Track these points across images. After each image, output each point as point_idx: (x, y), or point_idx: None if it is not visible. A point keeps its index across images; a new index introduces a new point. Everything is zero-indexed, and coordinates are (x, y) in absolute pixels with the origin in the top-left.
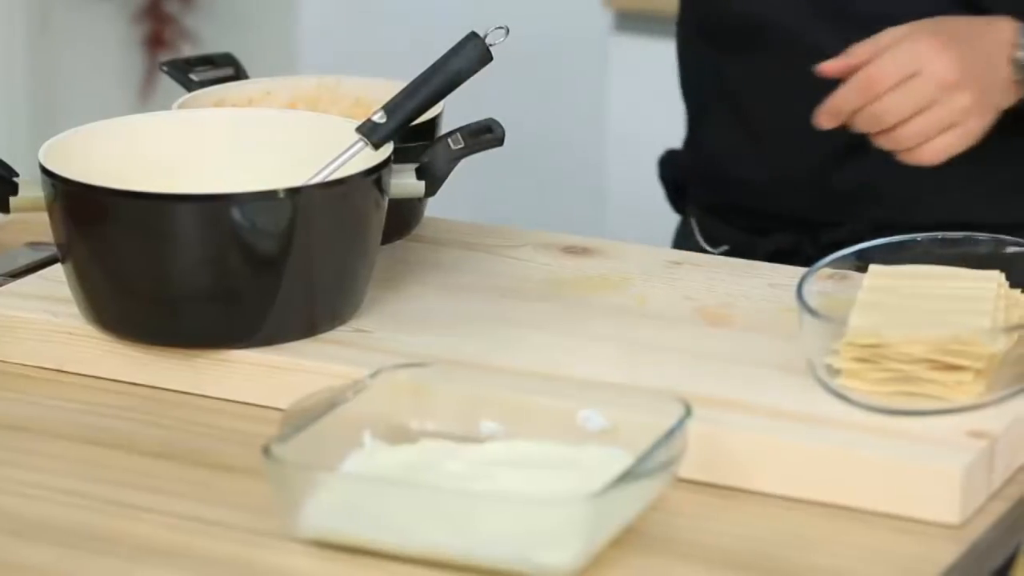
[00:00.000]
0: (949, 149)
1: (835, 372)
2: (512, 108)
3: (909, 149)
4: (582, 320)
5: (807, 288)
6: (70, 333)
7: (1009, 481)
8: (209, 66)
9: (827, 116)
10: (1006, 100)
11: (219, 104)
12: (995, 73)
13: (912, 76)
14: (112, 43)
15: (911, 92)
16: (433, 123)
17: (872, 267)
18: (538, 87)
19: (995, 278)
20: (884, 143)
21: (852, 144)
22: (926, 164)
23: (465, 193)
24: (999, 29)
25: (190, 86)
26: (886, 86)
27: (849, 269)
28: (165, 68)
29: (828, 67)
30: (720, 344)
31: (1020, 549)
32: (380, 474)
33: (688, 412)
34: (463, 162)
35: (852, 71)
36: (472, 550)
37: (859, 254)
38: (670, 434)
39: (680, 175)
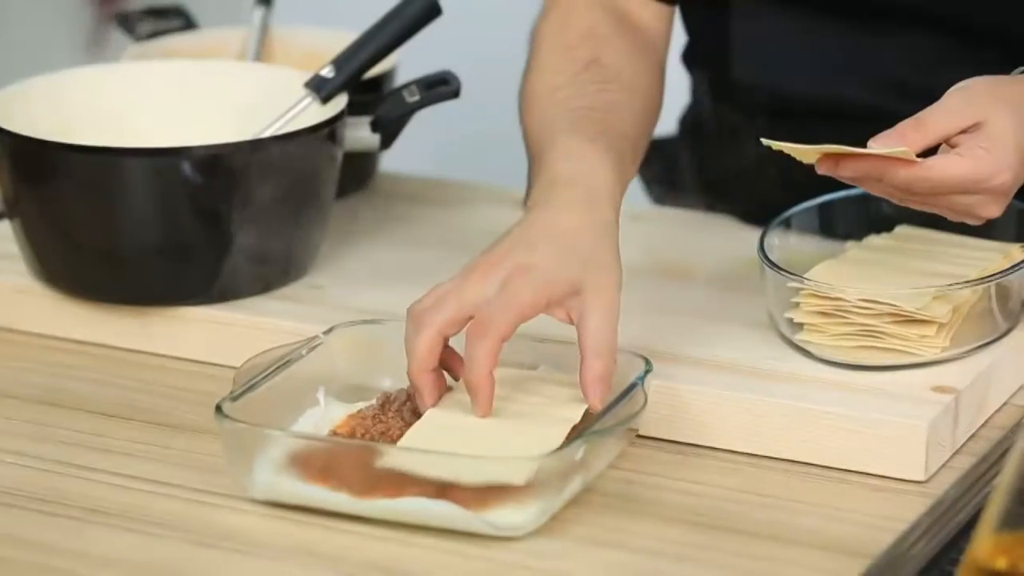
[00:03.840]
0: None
1: (797, 326)
2: (468, 59)
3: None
4: None
5: (769, 241)
6: (18, 291)
7: (974, 436)
8: (158, 17)
9: (859, 181)
10: None
11: (168, 56)
12: None
13: (977, 184)
14: None
15: (966, 201)
16: (388, 75)
17: (898, 228)
18: (495, 38)
19: (1009, 251)
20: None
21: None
22: None
23: (420, 146)
24: None
25: (139, 38)
26: (948, 191)
27: (813, 222)
28: (114, 19)
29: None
30: (681, 299)
31: (986, 505)
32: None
33: (648, 368)
34: (418, 115)
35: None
36: (428, 509)
37: (823, 207)
38: (629, 390)
39: (667, 166)
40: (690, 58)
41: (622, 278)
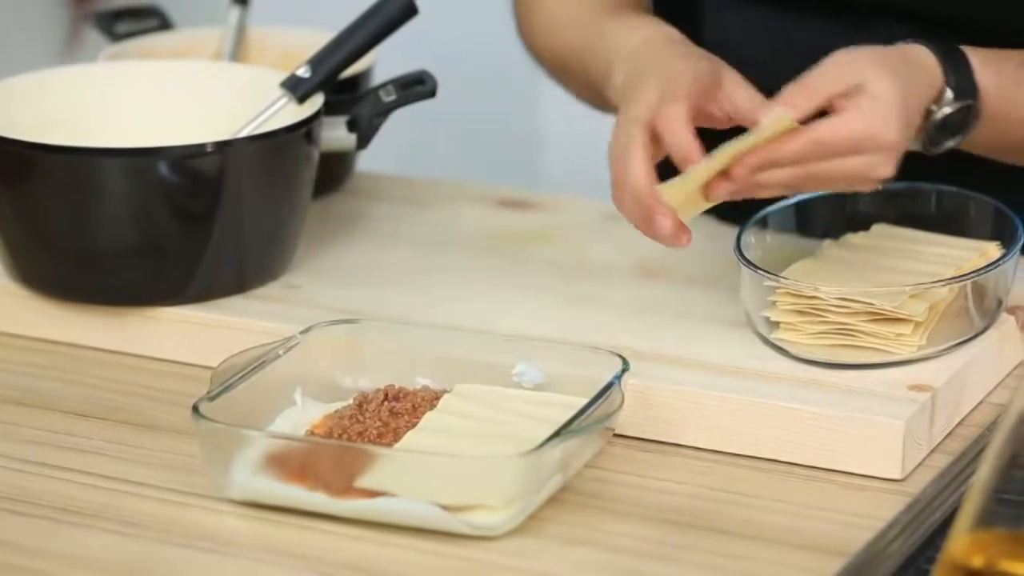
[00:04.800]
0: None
1: (773, 325)
2: (444, 59)
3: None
4: (518, 274)
5: (745, 240)
6: None
7: (951, 435)
8: (135, 18)
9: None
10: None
11: (145, 56)
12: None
13: (865, 141)
14: None
15: (858, 163)
16: (365, 75)
17: (875, 227)
18: (472, 38)
19: (985, 249)
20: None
21: None
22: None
23: (397, 146)
24: (931, 78)
25: (116, 38)
26: (838, 152)
27: (790, 220)
28: (90, 20)
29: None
30: (658, 297)
31: (962, 503)
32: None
33: (625, 367)
34: (395, 114)
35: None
36: (405, 509)
37: (799, 206)
38: (606, 389)
39: None
40: None
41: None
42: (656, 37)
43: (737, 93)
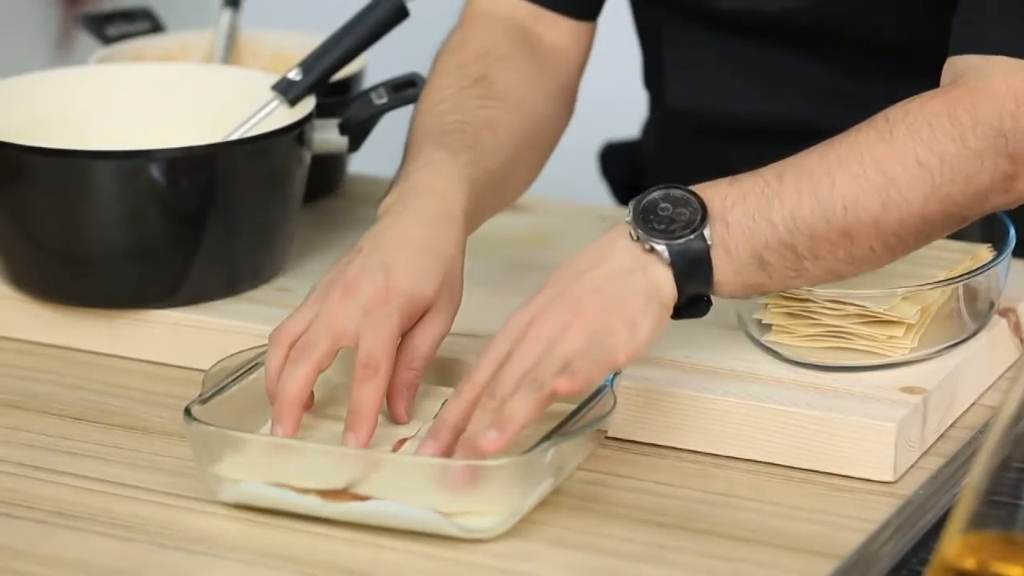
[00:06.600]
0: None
1: (765, 328)
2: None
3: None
4: (510, 277)
5: None
6: None
7: (943, 437)
8: (126, 20)
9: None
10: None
11: (136, 58)
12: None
13: (527, 317)
14: None
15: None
16: (356, 77)
17: None
18: None
19: (977, 252)
20: None
21: None
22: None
23: (389, 149)
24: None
25: (107, 40)
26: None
27: None
28: (81, 22)
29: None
30: None
31: (954, 506)
32: (302, 436)
33: (618, 370)
34: (387, 117)
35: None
36: (398, 512)
37: None
38: (598, 392)
39: (633, 170)
40: (644, 78)
41: (461, 299)
42: (423, 203)
43: (423, 339)
